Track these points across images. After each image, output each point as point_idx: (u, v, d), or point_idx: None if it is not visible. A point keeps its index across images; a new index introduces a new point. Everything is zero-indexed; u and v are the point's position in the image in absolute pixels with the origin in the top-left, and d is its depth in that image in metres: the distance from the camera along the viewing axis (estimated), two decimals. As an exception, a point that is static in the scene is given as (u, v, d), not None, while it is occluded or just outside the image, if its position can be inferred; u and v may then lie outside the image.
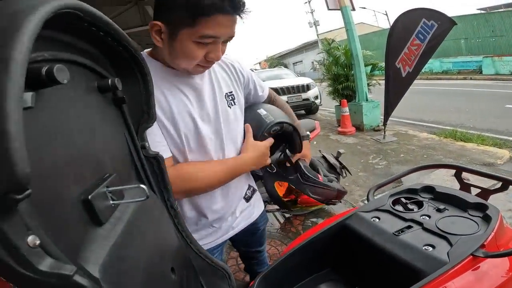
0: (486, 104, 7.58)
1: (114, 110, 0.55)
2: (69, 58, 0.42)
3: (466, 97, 8.85)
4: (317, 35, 27.13)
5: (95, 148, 0.47)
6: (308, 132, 1.40)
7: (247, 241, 1.34)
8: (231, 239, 1.23)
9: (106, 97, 0.52)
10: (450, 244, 0.89)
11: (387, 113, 5.12)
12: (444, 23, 4.47)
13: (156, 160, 0.66)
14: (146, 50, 0.93)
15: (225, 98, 1.01)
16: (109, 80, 0.49)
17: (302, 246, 1.05)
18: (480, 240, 0.88)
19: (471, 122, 6.13)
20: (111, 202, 0.47)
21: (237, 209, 1.13)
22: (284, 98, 7.92)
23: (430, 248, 0.89)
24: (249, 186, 1.19)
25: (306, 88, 8.23)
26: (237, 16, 0.79)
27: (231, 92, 1.04)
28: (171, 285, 0.59)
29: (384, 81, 5.13)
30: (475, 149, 4.41)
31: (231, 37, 0.84)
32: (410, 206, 1.14)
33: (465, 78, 13.26)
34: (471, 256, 0.84)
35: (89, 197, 0.41)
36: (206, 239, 1.08)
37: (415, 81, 5.05)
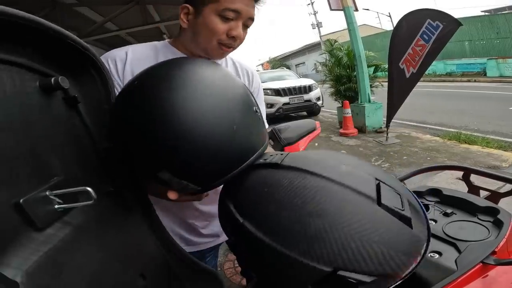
0: (490, 107, 7.52)
1: (66, 110, 0.53)
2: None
3: (470, 100, 8.78)
4: (320, 36, 27.13)
5: (36, 150, 0.44)
6: None
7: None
8: (227, 242, 1.16)
9: (54, 97, 0.50)
10: (459, 251, 0.83)
11: (390, 114, 5.07)
12: (450, 24, 4.40)
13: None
14: (167, 40, 0.94)
15: None
16: (52, 79, 0.46)
17: None
18: (491, 246, 0.82)
19: (475, 124, 6.07)
20: (56, 206, 0.45)
21: None
22: (286, 99, 7.93)
23: (437, 255, 0.83)
24: None
25: (308, 89, 8.21)
26: (255, 1, 0.83)
27: None
28: None
29: (387, 82, 5.08)
30: (480, 152, 4.35)
31: (251, 18, 0.84)
32: None
33: (469, 80, 13.18)
34: (481, 264, 0.78)
35: (21, 200, 0.39)
36: (196, 243, 1.02)
37: (418, 83, 4.99)
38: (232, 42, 0.84)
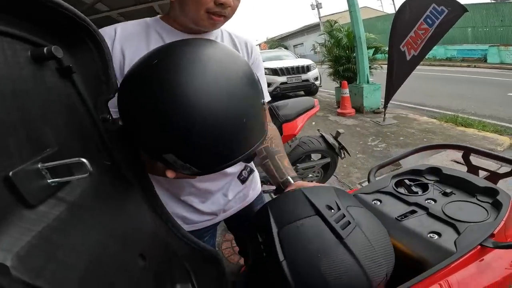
0: (489, 92, 7.49)
1: (60, 80, 0.50)
2: None
3: (468, 84, 8.73)
4: (319, 17, 26.65)
5: (28, 120, 0.41)
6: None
7: (242, 225, 1.21)
8: (225, 221, 1.13)
9: (48, 67, 0.47)
10: (458, 232, 0.81)
11: (388, 95, 5.06)
12: (455, 10, 4.36)
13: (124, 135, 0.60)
14: (159, 16, 0.90)
15: None
16: (45, 49, 0.43)
17: None
18: (489, 228, 0.80)
19: (472, 108, 6.06)
20: (49, 180, 0.41)
21: (230, 190, 1.03)
22: (283, 79, 7.86)
23: (436, 236, 0.81)
24: (246, 166, 1.06)
25: (306, 69, 8.15)
26: None
27: None
28: (138, 273, 0.54)
29: (386, 65, 5.06)
30: (476, 135, 4.36)
31: None
32: (414, 189, 1.05)
33: (469, 66, 13.04)
34: (479, 246, 0.76)
35: (10, 173, 0.35)
36: (193, 222, 0.99)
37: (418, 67, 4.98)
38: (221, 10, 0.77)
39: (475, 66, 12.73)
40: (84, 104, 0.54)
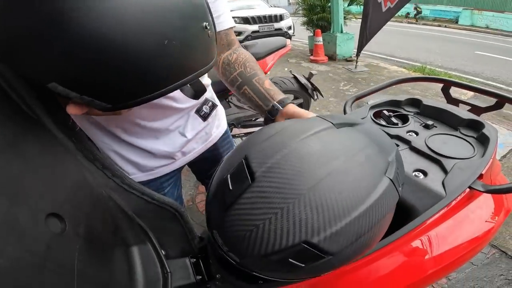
0: (457, 49, 7.66)
1: None
2: None
3: (438, 41, 8.88)
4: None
5: None
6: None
7: (209, 170, 1.04)
8: (190, 167, 0.98)
9: None
10: (445, 171, 0.73)
11: (361, 44, 5.04)
12: None
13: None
14: None
15: None
16: None
17: None
18: (478, 168, 0.72)
19: (439, 61, 6.23)
20: None
21: (188, 128, 0.85)
22: (255, 27, 7.48)
23: (422, 175, 0.73)
24: (206, 100, 0.88)
25: (279, 18, 7.80)
26: None
27: None
28: (50, 240, 0.37)
29: (360, 18, 5.02)
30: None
31: None
32: (394, 120, 0.96)
33: (440, 26, 13.20)
34: (468, 189, 0.69)
35: None
36: (148, 168, 0.82)
37: (390, 22, 5.01)
38: None
39: (445, 26, 12.91)
40: None
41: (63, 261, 0.36)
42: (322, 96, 2.62)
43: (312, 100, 2.62)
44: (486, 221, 0.73)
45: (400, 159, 0.56)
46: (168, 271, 0.58)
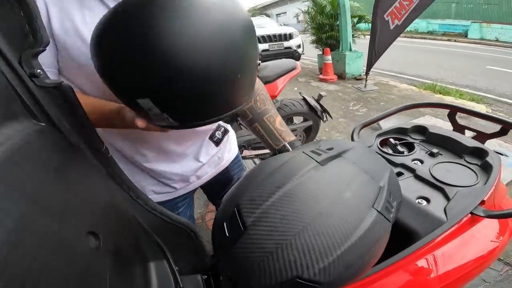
0: (468, 64, 7.59)
1: None
2: None
3: (448, 56, 8.81)
4: (303, -15, 25.92)
5: None
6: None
7: (220, 192, 1.10)
8: (203, 189, 1.04)
9: None
10: (447, 198, 0.76)
11: (370, 62, 5.07)
12: None
13: (60, 90, 0.49)
14: None
15: None
16: None
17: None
18: (480, 195, 0.74)
19: (450, 78, 6.16)
20: None
21: (202, 153, 0.91)
22: (265, 46, 7.67)
23: (425, 202, 0.76)
24: (219, 126, 0.93)
25: (289, 36, 7.97)
26: None
27: None
28: (89, 255, 0.43)
29: (368, 35, 5.11)
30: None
31: None
32: (400, 148, 0.99)
33: (449, 40, 13.14)
34: (470, 215, 0.71)
35: None
36: (163, 191, 0.88)
37: (399, 38, 5.05)
38: None
39: (455, 41, 12.84)
40: (5, 60, 0.45)
41: (100, 276, 0.42)
42: (331, 117, 2.66)
43: (321, 121, 2.66)
44: (491, 241, 0.75)
45: (394, 179, 0.60)
46: (181, 286, 0.63)
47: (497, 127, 1.01)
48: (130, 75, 0.47)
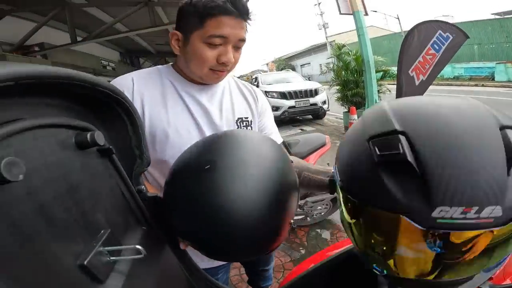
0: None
1: (102, 161, 0.51)
2: (37, 124, 0.36)
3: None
4: (326, 37, 27.00)
5: (85, 208, 0.44)
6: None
7: (253, 260, 1.28)
8: (241, 262, 1.17)
9: (90, 151, 0.47)
10: None
11: None
12: (458, 36, 4.48)
13: (156, 201, 0.62)
14: (170, 64, 0.95)
15: (237, 122, 0.95)
16: (88, 135, 0.43)
17: (310, 272, 0.96)
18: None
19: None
20: (110, 258, 0.45)
21: None
22: (291, 102, 7.84)
23: None
24: None
25: (314, 92, 8.08)
26: (244, 21, 0.81)
27: (247, 117, 0.98)
28: None
29: (394, 86, 5.08)
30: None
31: (241, 40, 0.82)
32: None
33: (476, 85, 12.94)
34: None
35: (85, 262, 0.39)
36: (209, 260, 1.03)
37: None
38: (223, 67, 0.83)
39: (483, 85, 12.66)
40: (122, 180, 0.55)
41: None
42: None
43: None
44: None
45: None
46: None
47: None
48: (184, 223, 0.57)
